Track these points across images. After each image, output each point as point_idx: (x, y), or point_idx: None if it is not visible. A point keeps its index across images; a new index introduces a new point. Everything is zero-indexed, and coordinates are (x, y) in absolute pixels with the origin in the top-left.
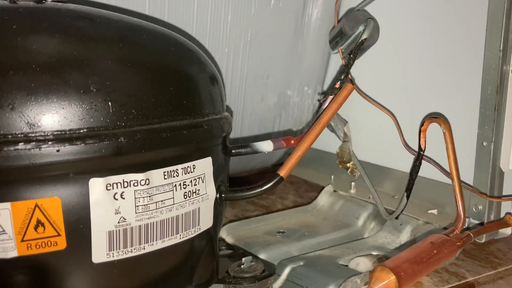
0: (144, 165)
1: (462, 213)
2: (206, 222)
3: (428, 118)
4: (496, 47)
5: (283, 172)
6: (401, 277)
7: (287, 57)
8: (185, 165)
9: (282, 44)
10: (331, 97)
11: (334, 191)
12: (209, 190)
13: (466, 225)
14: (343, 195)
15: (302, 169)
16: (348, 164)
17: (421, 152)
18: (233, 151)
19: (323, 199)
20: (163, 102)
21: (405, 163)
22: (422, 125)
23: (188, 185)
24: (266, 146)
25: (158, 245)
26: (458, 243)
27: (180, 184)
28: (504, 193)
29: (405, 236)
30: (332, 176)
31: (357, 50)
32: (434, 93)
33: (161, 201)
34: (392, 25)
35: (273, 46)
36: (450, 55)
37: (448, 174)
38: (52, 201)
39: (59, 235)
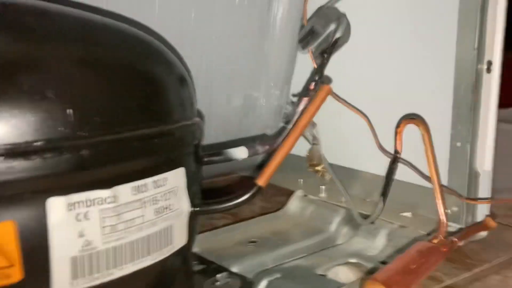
0: (110, 180)
1: (444, 218)
2: (180, 239)
3: (404, 119)
4: (469, 45)
5: (261, 181)
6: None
7: (253, 57)
8: (156, 178)
9: (248, 43)
10: (306, 99)
11: (305, 195)
12: (183, 204)
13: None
14: (314, 200)
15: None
16: (318, 168)
17: (397, 155)
18: (205, 159)
19: (294, 204)
20: (130, 108)
21: (376, 165)
22: (398, 126)
23: (160, 200)
24: (241, 152)
25: (129, 268)
26: (444, 250)
27: (151, 200)
28: (479, 194)
29: (380, 241)
30: (301, 180)
31: (331, 50)
32: (407, 93)
33: (131, 219)
34: (362, 24)
35: (238, 46)
36: (422, 53)
37: (427, 177)
38: (4, 226)
39: (12, 265)
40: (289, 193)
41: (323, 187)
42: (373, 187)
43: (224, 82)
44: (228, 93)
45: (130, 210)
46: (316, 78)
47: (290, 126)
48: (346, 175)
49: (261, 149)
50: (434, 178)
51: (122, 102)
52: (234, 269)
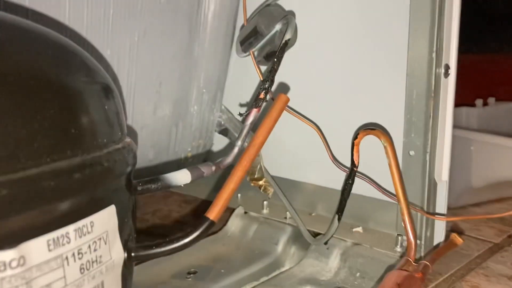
0: (16, 236)
1: (413, 239)
2: None
3: (362, 130)
4: (422, 49)
5: (213, 214)
6: None
7: (182, 61)
8: (79, 224)
9: (176, 45)
10: (256, 110)
11: (245, 212)
12: (115, 253)
13: (399, 244)
14: (255, 217)
15: (201, 187)
16: (260, 182)
17: (354, 168)
18: (139, 188)
19: (234, 223)
20: (40, 133)
21: (321, 176)
22: (355, 137)
23: (86, 253)
24: (182, 177)
25: None
26: (419, 276)
27: (73, 255)
28: (437, 205)
29: (334, 261)
30: (239, 195)
31: (281, 53)
32: (359, 101)
33: (46, 285)
34: (309, 26)
35: (165, 48)
36: (374, 59)
37: (391, 195)
38: None
39: None
40: (226, 210)
41: (265, 202)
42: (318, 199)
43: (149, 88)
44: (154, 101)
45: (46, 272)
46: (267, 86)
47: (239, 142)
48: (289, 188)
49: (206, 171)
50: (401, 195)
51: (28, 126)
52: None
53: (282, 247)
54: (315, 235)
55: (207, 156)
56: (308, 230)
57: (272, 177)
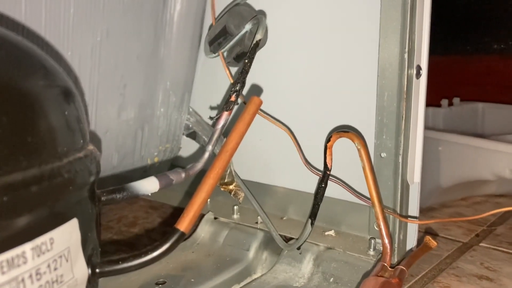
0: None
1: (388, 244)
2: None
3: (335, 132)
4: (394, 49)
5: (183, 225)
6: None
7: (148, 62)
8: (37, 241)
9: (141, 46)
10: (226, 113)
11: (215, 218)
12: (78, 270)
13: (372, 247)
14: (226, 223)
15: (168, 192)
16: (230, 186)
17: (328, 172)
18: (103, 198)
19: (204, 229)
20: None
21: (293, 180)
22: (328, 140)
23: (45, 273)
24: (149, 185)
25: None
26: (395, 281)
27: (31, 276)
28: (409, 207)
29: (307, 267)
30: (209, 200)
31: (253, 54)
32: (332, 103)
33: None
34: (279, 27)
35: (129, 49)
36: (345, 60)
37: (363, 197)
38: None
39: None
40: (200, 217)
41: (236, 207)
42: (289, 203)
43: (113, 90)
44: (118, 104)
45: None
46: (238, 88)
47: (210, 147)
48: (260, 192)
49: (176, 178)
50: (375, 198)
51: None
52: None
53: (254, 253)
54: (288, 239)
55: (175, 161)
56: (280, 235)
57: (243, 181)
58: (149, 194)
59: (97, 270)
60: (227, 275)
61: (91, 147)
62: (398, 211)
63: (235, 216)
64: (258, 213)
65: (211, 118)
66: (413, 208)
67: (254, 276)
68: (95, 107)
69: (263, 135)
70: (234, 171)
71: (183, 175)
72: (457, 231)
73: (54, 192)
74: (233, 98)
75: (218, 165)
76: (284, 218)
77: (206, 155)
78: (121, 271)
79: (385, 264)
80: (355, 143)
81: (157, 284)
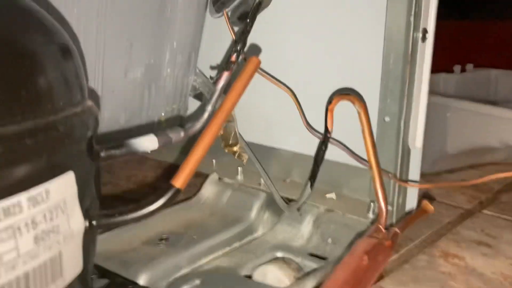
0: None
1: (384, 207)
2: (72, 268)
3: (337, 95)
4: (401, 12)
5: (179, 182)
6: None
7: (154, 21)
8: (33, 192)
9: (148, 5)
10: (227, 73)
11: (220, 179)
12: (74, 222)
13: (372, 210)
14: (230, 184)
15: (174, 152)
16: (234, 148)
17: (328, 135)
18: (102, 154)
19: (208, 190)
20: None
21: (296, 143)
22: (329, 103)
23: (41, 222)
24: (149, 142)
25: None
26: (388, 243)
27: (27, 225)
28: (410, 172)
29: (306, 228)
30: (214, 161)
31: (254, 13)
32: (336, 65)
33: None
34: None
35: (136, 8)
36: (351, 21)
37: (363, 161)
38: None
39: None
40: (201, 176)
41: (240, 168)
42: (293, 166)
43: (120, 50)
44: (125, 64)
45: None
46: (239, 48)
47: (209, 107)
48: (264, 154)
49: (175, 137)
50: (373, 162)
51: None
52: (143, 278)
53: (256, 213)
54: (289, 201)
55: (183, 122)
56: (282, 197)
57: (247, 143)
58: (149, 152)
59: (94, 223)
60: (229, 233)
61: (89, 103)
62: (399, 175)
63: (239, 177)
64: (261, 175)
65: (211, 78)
66: (414, 173)
67: (255, 235)
68: (102, 67)
69: (267, 97)
70: (239, 133)
71: (182, 134)
72: (461, 198)
73: (49, 145)
74: (233, 58)
75: (214, 124)
76: (287, 181)
77: (206, 115)
78: (118, 224)
79: (380, 226)
80: (355, 106)
81: (160, 239)
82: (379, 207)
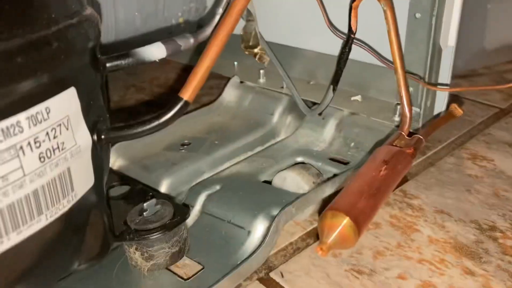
0: None
1: (408, 112)
2: (83, 183)
3: None
4: None
5: (187, 94)
6: (357, 218)
7: None
8: (32, 111)
9: None
10: None
11: (241, 82)
12: (80, 138)
13: (398, 113)
14: (251, 87)
15: (194, 55)
16: (255, 50)
17: (352, 35)
18: (108, 64)
19: (229, 93)
20: None
21: (320, 42)
22: (353, 0)
23: (44, 141)
24: (156, 51)
25: (13, 239)
26: (410, 151)
27: (29, 144)
28: (441, 73)
29: (329, 132)
30: (236, 63)
31: None
32: None
33: (1, 177)
34: None
35: None
36: None
37: (389, 63)
38: None
39: None
40: (225, 81)
41: (262, 71)
42: (317, 67)
43: None
44: None
45: None
46: None
47: (220, 9)
48: (286, 55)
49: (184, 44)
50: (398, 65)
51: None
52: (165, 184)
53: (278, 117)
54: (313, 104)
55: (202, 22)
56: (305, 100)
57: (268, 43)
58: (157, 61)
59: (103, 137)
60: (251, 137)
61: (88, 11)
62: (428, 77)
63: (261, 80)
64: (283, 79)
65: None
66: (445, 74)
67: (278, 139)
68: None
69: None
70: (259, 33)
71: (191, 40)
72: (496, 96)
73: (44, 62)
74: None
75: (222, 30)
76: (312, 83)
77: (217, 18)
78: (126, 138)
79: (403, 132)
80: (381, 4)
81: (182, 145)
82: (403, 113)
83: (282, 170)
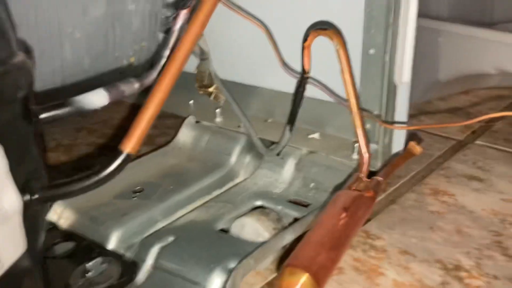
0: None
1: (366, 152)
2: (12, 250)
3: (312, 30)
4: None
5: (129, 146)
6: (317, 273)
7: None
8: None
9: None
10: (185, 12)
11: (197, 122)
12: (8, 201)
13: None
14: (208, 126)
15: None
16: (210, 89)
17: (305, 75)
18: (42, 115)
19: (185, 134)
20: None
21: (277, 80)
22: (305, 40)
23: None
24: (97, 98)
25: None
26: (370, 195)
27: None
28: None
29: (288, 172)
30: (191, 102)
31: None
32: None
33: None
34: None
35: None
36: None
37: (344, 102)
38: None
39: None
40: (178, 119)
41: (218, 110)
42: (274, 105)
43: None
44: (83, 1)
45: None
46: None
47: (166, 52)
48: (243, 93)
49: (128, 89)
50: (353, 104)
51: None
52: (115, 237)
53: (236, 157)
54: (271, 143)
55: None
56: (263, 139)
57: (224, 81)
58: (98, 109)
59: (37, 196)
60: (208, 180)
61: (19, 58)
62: (384, 114)
63: (217, 119)
64: (239, 118)
65: (167, 18)
66: (402, 111)
67: (237, 181)
68: (56, 7)
69: (243, 32)
70: (214, 72)
71: (136, 85)
72: (453, 127)
73: None
74: None
75: (167, 76)
76: (269, 121)
77: (162, 61)
78: (63, 196)
79: (361, 175)
80: (333, 42)
81: (134, 192)
82: (360, 154)
83: (240, 216)
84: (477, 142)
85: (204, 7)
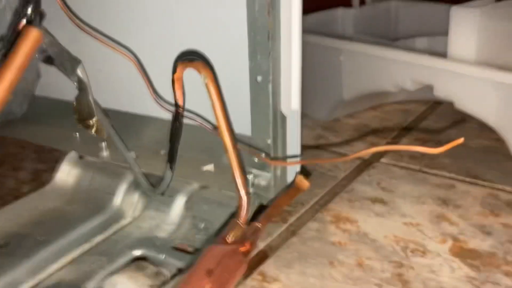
0: None
1: (245, 196)
2: None
3: (180, 61)
4: None
5: None
6: None
7: None
8: None
9: None
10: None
11: (80, 157)
12: None
13: (251, 183)
14: (93, 163)
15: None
16: (90, 121)
17: (179, 110)
18: None
19: (65, 172)
20: None
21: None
22: (174, 72)
23: None
24: None
25: None
26: (243, 249)
27: None
28: (288, 137)
29: (176, 211)
30: (78, 134)
31: None
32: (189, 17)
33: None
34: None
35: None
36: None
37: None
38: None
39: None
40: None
41: (104, 143)
42: (166, 135)
43: None
44: None
45: None
46: (29, 12)
47: None
48: (131, 124)
49: None
50: (228, 144)
51: None
52: None
53: (122, 197)
54: (162, 179)
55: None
56: (153, 175)
57: (110, 110)
58: None
59: None
60: (88, 226)
61: None
62: (273, 147)
63: (104, 153)
64: (122, 154)
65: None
66: (293, 141)
67: (124, 222)
68: None
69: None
70: (94, 101)
71: None
72: (360, 146)
73: None
74: (21, 26)
75: None
76: (162, 153)
77: None
78: None
79: (239, 221)
80: (201, 75)
81: None
82: (239, 197)
83: (113, 274)
84: (383, 160)
85: (23, 45)
